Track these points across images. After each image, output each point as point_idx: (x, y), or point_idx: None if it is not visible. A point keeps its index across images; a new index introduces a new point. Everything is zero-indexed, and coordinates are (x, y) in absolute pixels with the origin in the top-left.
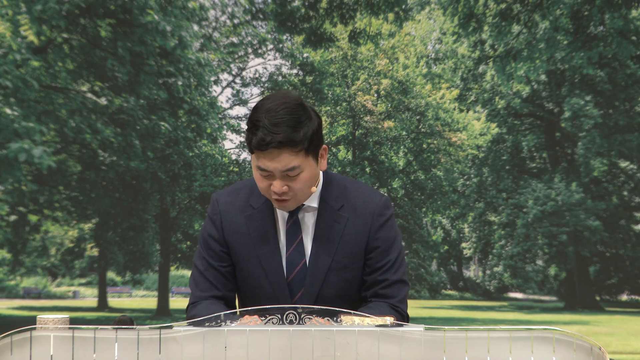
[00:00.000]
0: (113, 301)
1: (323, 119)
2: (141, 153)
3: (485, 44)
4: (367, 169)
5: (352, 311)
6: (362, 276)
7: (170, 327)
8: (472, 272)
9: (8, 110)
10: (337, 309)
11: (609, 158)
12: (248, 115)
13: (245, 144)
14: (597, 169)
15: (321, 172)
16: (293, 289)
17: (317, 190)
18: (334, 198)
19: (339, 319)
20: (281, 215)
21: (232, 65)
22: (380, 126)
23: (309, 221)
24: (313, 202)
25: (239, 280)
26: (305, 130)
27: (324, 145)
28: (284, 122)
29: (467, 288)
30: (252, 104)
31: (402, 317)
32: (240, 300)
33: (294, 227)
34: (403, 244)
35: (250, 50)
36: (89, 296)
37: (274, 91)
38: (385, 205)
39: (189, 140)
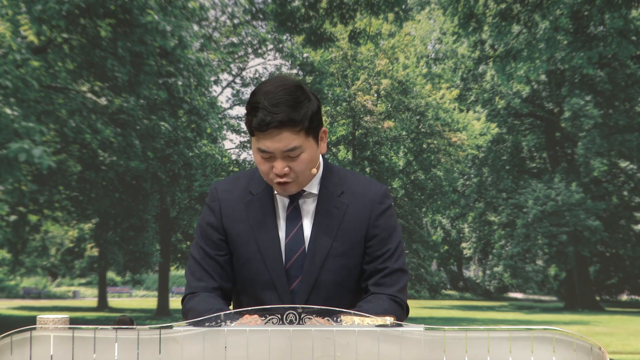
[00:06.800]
0: (113, 301)
1: (323, 119)
2: (141, 153)
3: (485, 44)
4: (367, 169)
5: (352, 311)
6: (362, 265)
7: (170, 327)
8: (472, 272)
9: (8, 110)
10: (337, 309)
11: (609, 158)
12: (247, 100)
13: (246, 127)
14: (597, 169)
15: (322, 160)
16: (291, 275)
17: (317, 175)
18: (334, 185)
19: (339, 319)
20: (281, 202)
21: (232, 65)
22: (380, 126)
23: (308, 207)
24: (313, 188)
25: (236, 268)
26: (304, 110)
27: (324, 128)
28: (284, 102)
29: (467, 288)
30: None
31: (402, 308)
32: (236, 289)
33: (294, 213)
34: (404, 243)
35: (250, 50)
36: (89, 296)
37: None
38: (385, 194)
39: (189, 140)
